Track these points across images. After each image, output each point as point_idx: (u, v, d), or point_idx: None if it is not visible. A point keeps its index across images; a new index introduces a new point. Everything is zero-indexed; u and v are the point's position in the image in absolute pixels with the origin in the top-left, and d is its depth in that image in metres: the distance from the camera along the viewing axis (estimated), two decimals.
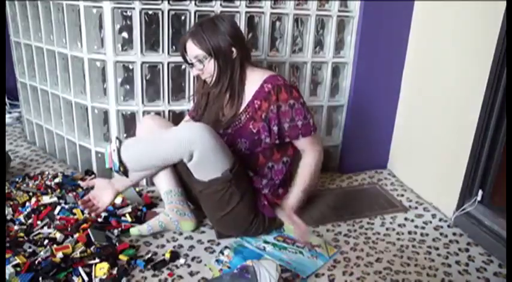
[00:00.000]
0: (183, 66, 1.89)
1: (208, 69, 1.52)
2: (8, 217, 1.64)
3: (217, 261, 1.50)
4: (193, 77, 1.81)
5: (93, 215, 1.61)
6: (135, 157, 1.46)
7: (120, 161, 1.42)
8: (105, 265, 1.38)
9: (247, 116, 1.55)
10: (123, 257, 1.45)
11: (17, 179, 1.95)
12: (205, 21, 1.52)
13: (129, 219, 1.67)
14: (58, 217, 1.64)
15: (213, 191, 1.48)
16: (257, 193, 1.58)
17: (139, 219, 1.69)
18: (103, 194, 1.61)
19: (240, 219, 1.56)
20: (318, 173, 1.65)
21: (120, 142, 1.45)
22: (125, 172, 1.45)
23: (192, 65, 1.54)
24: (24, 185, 1.89)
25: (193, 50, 1.50)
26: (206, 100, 1.63)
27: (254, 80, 1.55)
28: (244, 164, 1.55)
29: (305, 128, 1.53)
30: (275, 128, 1.51)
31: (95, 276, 1.35)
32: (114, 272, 1.39)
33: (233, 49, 1.50)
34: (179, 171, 1.65)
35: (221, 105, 1.61)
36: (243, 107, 1.56)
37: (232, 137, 1.58)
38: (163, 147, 1.44)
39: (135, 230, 1.58)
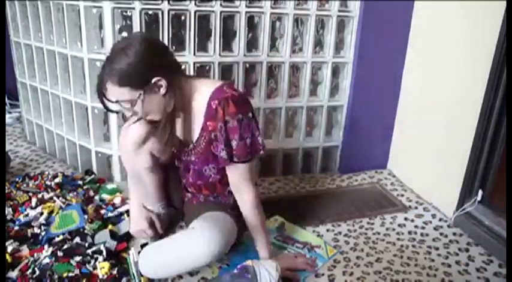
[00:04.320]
0: (183, 67, 1.89)
1: (145, 108, 1.26)
2: (8, 217, 1.65)
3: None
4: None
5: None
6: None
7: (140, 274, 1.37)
8: (105, 264, 1.38)
9: (205, 139, 1.37)
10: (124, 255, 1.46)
11: (17, 179, 1.95)
12: (114, 55, 1.23)
13: (127, 218, 1.66)
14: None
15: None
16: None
17: None
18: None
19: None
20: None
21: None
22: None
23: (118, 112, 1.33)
24: (24, 185, 1.89)
25: (112, 91, 1.23)
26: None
27: (201, 97, 1.34)
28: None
29: (253, 147, 1.34)
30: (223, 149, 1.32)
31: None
32: (114, 272, 1.38)
33: (157, 78, 1.24)
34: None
35: (173, 135, 1.44)
36: (198, 132, 1.38)
37: (198, 164, 1.44)
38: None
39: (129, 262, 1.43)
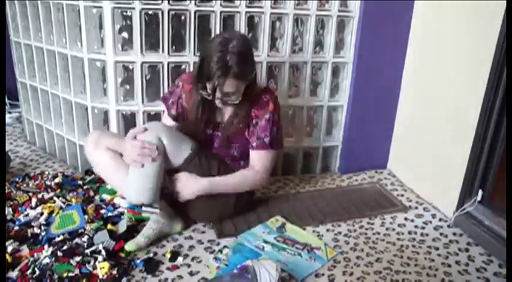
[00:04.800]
0: (183, 66, 1.89)
1: (238, 96, 1.54)
2: (8, 217, 1.64)
3: (216, 259, 1.50)
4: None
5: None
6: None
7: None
8: (105, 264, 1.38)
9: (239, 122, 1.64)
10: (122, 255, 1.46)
11: (17, 179, 1.95)
12: (236, 51, 1.44)
13: (127, 219, 1.65)
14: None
15: (193, 166, 1.61)
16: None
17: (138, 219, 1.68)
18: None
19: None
20: (245, 186, 1.70)
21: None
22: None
23: (218, 99, 1.52)
24: (24, 185, 1.89)
25: (233, 86, 1.48)
26: (201, 109, 1.62)
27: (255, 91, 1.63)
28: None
29: (282, 140, 1.73)
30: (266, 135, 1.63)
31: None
32: (114, 272, 1.38)
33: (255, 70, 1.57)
34: None
35: (219, 112, 1.67)
36: (228, 115, 1.66)
37: (226, 142, 1.67)
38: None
39: (132, 245, 1.50)
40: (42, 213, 1.66)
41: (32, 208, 1.70)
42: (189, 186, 1.60)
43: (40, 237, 1.54)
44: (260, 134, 1.63)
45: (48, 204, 1.71)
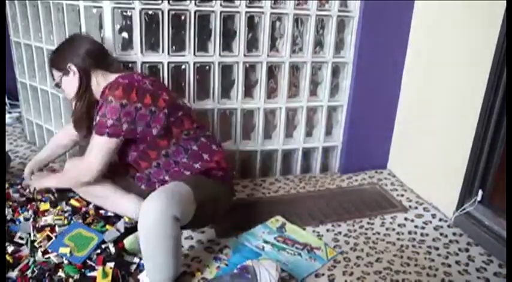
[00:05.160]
0: (183, 67, 1.89)
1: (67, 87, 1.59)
2: (8, 217, 1.64)
3: (216, 258, 1.50)
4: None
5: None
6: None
7: None
8: (106, 265, 1.38)
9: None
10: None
11: (18, 181, 1.92)
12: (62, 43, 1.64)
13: (127, 219, 1.64)
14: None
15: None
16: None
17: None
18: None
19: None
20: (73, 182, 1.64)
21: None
22: None
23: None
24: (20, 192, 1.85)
25: (55, 75, 1.61)
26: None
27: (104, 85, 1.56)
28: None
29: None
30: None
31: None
32: (116, 272, 1.38)
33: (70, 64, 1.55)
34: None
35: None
36: None
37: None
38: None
39: (132, 240, 1.47)
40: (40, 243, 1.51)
41: (26, 220, 1.60)
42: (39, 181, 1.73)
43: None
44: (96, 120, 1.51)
45: (44, 233, 1.54)
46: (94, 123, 1.51)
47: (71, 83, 1.57)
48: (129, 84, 1.46)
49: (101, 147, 1.49)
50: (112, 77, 1.54)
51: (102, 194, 1.63)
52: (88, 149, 1.53)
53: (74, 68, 1.55)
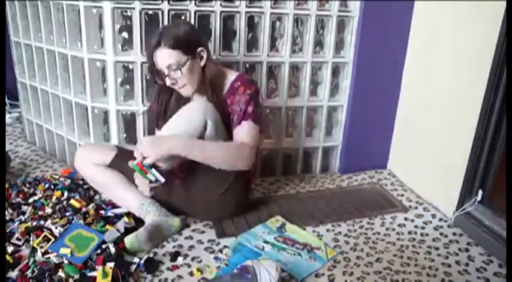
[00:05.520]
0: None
1: (187, 75, 1.53)
2: (8, 217, 1.64)
3: (216, 258, 1.50)
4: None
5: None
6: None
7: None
8: (106, 265, 1.38)
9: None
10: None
11: (19, 182, 1.92)
12: (168, 25, 1.63)
13: (126, 220, 1.65)
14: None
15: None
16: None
17: (138, 220, 1.68)
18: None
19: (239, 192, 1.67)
20: (228, 159, 1.54)
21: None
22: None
23: (165, 75, 1.53)
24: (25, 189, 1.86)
25: (170, 56, 1.50)
26: (160, 97, 1.66)
27: (226, 80, 1.63)
28: None
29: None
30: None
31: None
32: (116, 272, 1.38)
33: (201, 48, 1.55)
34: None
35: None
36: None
37: None
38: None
39: (132, 239, 1.48)
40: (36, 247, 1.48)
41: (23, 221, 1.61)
42: (157, 144, 1.43)
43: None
44: (239, 112, 1.56)
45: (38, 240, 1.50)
46: (245, 111, 1.55)
47: (194, 69, 1.54)
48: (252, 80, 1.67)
49: (257, 133, 1.57)
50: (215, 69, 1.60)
51: (107, 183, 1.69)
52: (240, 137, 1.55)
53: (204, 53, 1.55)
